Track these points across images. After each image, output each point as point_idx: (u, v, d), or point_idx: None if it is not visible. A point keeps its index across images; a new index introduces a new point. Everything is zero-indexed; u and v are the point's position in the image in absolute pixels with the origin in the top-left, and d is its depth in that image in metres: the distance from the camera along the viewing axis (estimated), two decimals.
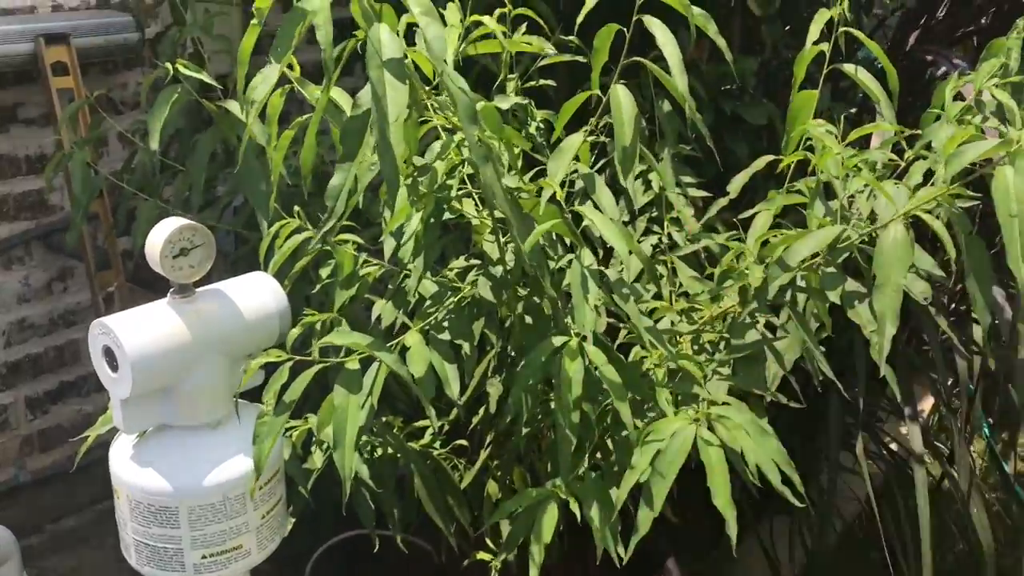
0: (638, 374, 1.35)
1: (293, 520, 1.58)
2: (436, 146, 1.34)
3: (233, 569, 1.32)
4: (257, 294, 1.35)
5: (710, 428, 1.23)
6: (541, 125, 2.05)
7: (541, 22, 1.82)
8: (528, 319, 1.46)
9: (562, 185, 1.49)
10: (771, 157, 1.51)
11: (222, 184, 1.98)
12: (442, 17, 1.28)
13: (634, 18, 1.33)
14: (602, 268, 1.41)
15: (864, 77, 1.46)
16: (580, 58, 2.02)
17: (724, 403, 1.33)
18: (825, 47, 1.49)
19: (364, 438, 1.59)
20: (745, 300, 1.38)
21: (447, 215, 1.43)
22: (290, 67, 1.47)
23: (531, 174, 1.57)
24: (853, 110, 2.33)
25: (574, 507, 1.28)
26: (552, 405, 1.32)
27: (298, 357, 1.26)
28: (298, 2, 1.04)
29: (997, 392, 2.27)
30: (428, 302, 1.44)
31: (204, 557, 1.29)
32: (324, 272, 1.64)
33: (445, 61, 1.08)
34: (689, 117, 1.40)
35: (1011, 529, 2.69)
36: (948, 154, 1.20)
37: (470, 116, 1.12)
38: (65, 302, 2.44)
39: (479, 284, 1.42)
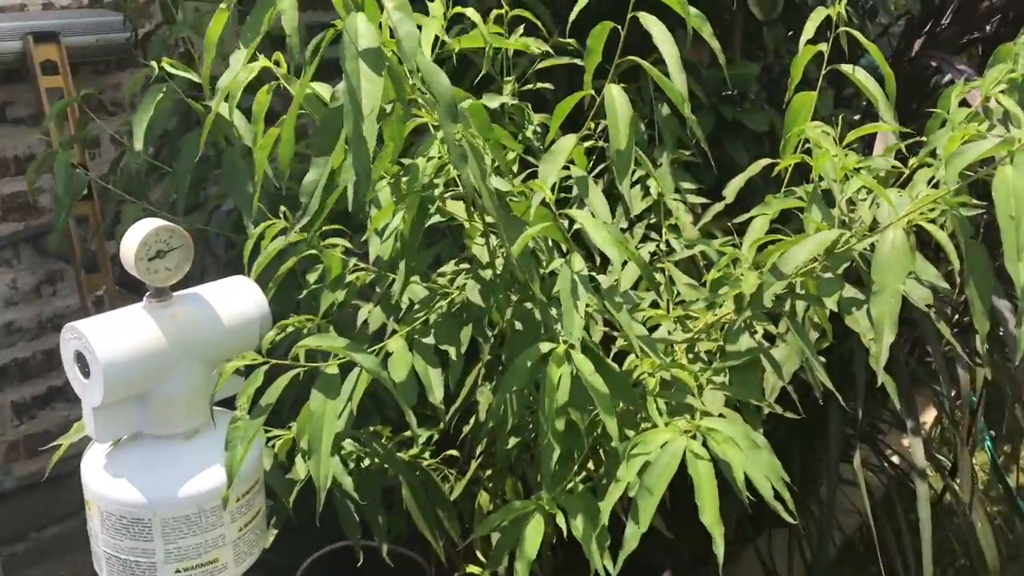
0: (628, 383, 1.30)
1: (276, 532, 1.54)
2: (427, 144, 1.30)
3: None
4: (237, 298, 1.31)
5: (700, 441, 1.19)
6: (538, 129, 2.01)
7: (539, 24, 1.78)
8: (519, 325, 1.41)
9: (556, 189, 1.45)
10: (768, 161, 1.47)
11: (213, 186, 1.95)
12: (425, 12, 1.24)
13: (629, 16, 1.29)
14: (594, 274, 1.37)
15: (863, 79, 1.42)
16: (578, 61, 1.98)
17: (717, 414, 1.28)
18: (824, 47, 1.45)
19: (349, 448, 1.55)
20: (740, 308, 1.34)
21: (436, 217, 1.39)
22: (277, 64, 1.43)
23: (523, 176, 1.53)
24: (857, 116, 2.29)
25: (560, 520, 1.23)
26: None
27: (274, 361, 1.22)
28: None
29: (1001, 404, 2.23)
30: (416, 307, 1.40)
31: (178, 571, 1.25)
32: (312, 276, 1.60)
33: (417, 60, 1.04)
34: (688, 120, 1.36)
35: (1013, 543, 2.65)
36: (949, 154, 1.16)
37: (450, 113, 1.08)
38: (54, 306, 2.41)
39: (468, 288, 1.38)
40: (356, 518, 1.52)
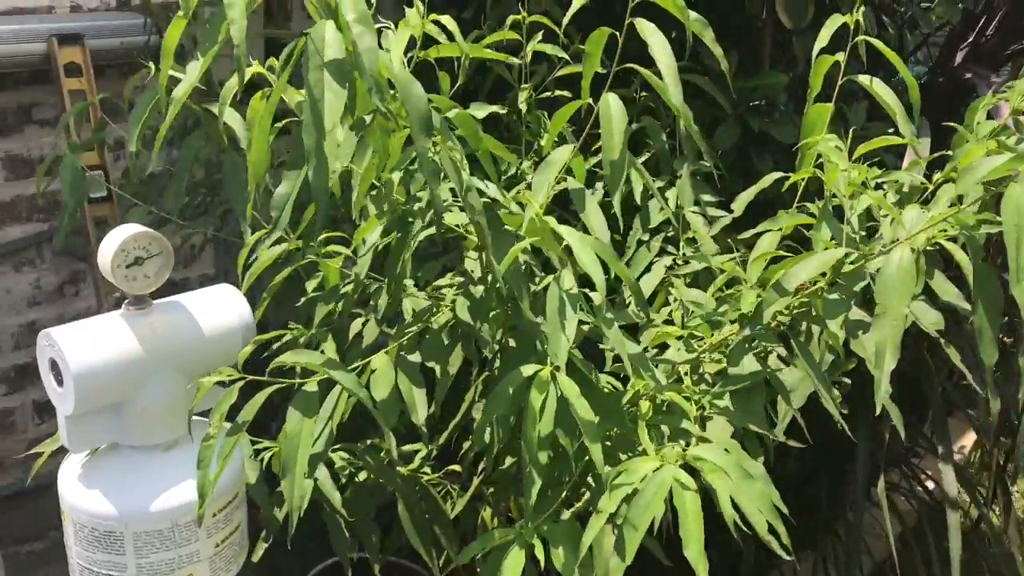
0: (619, 407, 1.24)
1: (267, 545, 1.51)
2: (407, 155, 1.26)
3: None
4: (220, 308, 1.27)
5: (689, 470, 1.13)
6: (556, 138, 1.96)
7: (557, 30, 1.73)
8: (513, 342, 1.37)
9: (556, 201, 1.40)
10: (780, 174, 1.40)
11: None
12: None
13: (627, 22, 1.24)
14: (586, 291, 1.31)
15: (879, 89, 1.35)
16: (599, 69, 1.93)
17: (720, 441, 1.22)
18: (840, 57, 1.38)
19: (341, 462, 1.51)
20: (741, 327, 1.28)
21: (430, 231, 1.35)
22: (272, 69, 1.40)
23: (515, 190, 1.49)
24: (891, 130, 2.21)
25: (539, 552, 1.18)
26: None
27: (249, 377, 1.18)
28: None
29: None
30: (408, 320, 1.36)
31: None
32: (311, 284, 1.57)
33: (390, 71, 1.00)
34: (693, 132, 1.30)
35: None
36: (962, 169, 1.09)
37: (423, 126, 1.03)
38: (76, 306, 2.41)
39: (458, 305, 1.33)
40: (346, 534, 1.48)
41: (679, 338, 1.42)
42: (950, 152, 1.37)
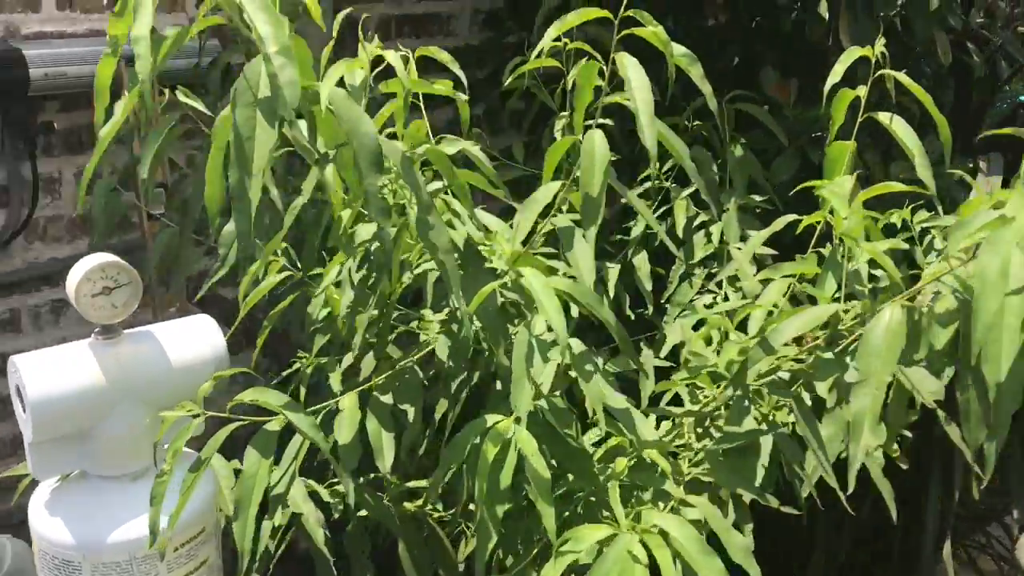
0: (588, 465, 1.17)
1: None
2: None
3: None
4: (191, 339, 1.26)
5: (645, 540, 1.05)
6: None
7: (598, 57, 1.67)
8: (499, 384, 1.31)
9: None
10: (792, 217, 1.30)
11: None
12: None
13: (612, 55, 1.17)
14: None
15: (898, 129, 1.24)
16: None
17: (688, 504, 1.14)
18: (862, 91, 1.27)
19: (330, 498, 1.47)
20: (735, 383, 1.19)
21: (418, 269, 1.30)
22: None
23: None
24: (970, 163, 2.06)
25: None
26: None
27: (210, 413, 1.16)
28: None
29: None
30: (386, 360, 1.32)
31: None
32: (319, 313, 1.54)
33: (336, 105, 0.96)
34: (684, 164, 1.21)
35: None
36: (957, 223, 0.98)
37: (372, 164, 0.99)
38: (140, 319, 2.45)
39: (439, 344, 1.28)
40: (334, 572, 1.44)
41: (688, 386, 1.34)
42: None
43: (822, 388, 1.13)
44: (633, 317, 1.85)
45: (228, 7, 0.96)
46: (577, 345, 1.23)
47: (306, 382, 1.46)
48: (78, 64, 2.04)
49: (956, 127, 1.33)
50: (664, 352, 1.61)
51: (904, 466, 1.26)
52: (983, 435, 0.94)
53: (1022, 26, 2.24)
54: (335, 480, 1.52)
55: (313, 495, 1.42)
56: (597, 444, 1.28)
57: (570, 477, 1.19)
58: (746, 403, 1.23)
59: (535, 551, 1.20)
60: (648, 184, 1.91)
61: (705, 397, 1.32)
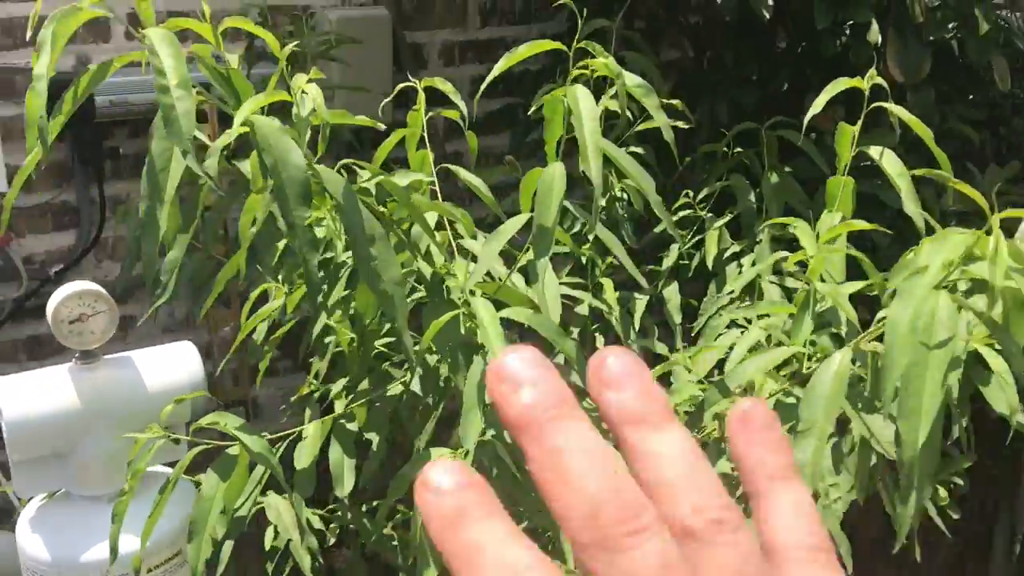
0: (534, 501, 1.14)
1: None
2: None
3: None
4: (170, 366, 1.29)
5: None
6: (624, 195, 1.87)
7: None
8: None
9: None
10: (784, 254, 1.25)
11: None
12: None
13: (568, 84, 1.14)
14: None
15: (888, 162, 1.18)
16: (681, 123, 1.82)
17: None
18: (856, 128, 1.22)
19: (320, 524, 1.48)
20: (690, 424, 1.15)
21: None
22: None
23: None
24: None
25: None
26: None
27: (172, 435, 1.18)
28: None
29: None
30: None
31: None
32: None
33: (263, 135, 0.97)
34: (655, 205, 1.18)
35: None
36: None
37: (299, 196, 1.00)
38: (203, 337, 2.53)
39: (413, 376, 1.28)
40: None
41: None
42: None
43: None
44: (665, 351, 1.81)
45: (145, 42, 0.98)
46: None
47: (313, 406, 1.48)
48: (138, 92, 2.13)
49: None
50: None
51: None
52: (931, 490, 0.88)
53: None
54: (333, 506, 1.53)
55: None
56: None
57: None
58: (722, 445, 1.19)
59: None
60: (683, 213, 1.87)
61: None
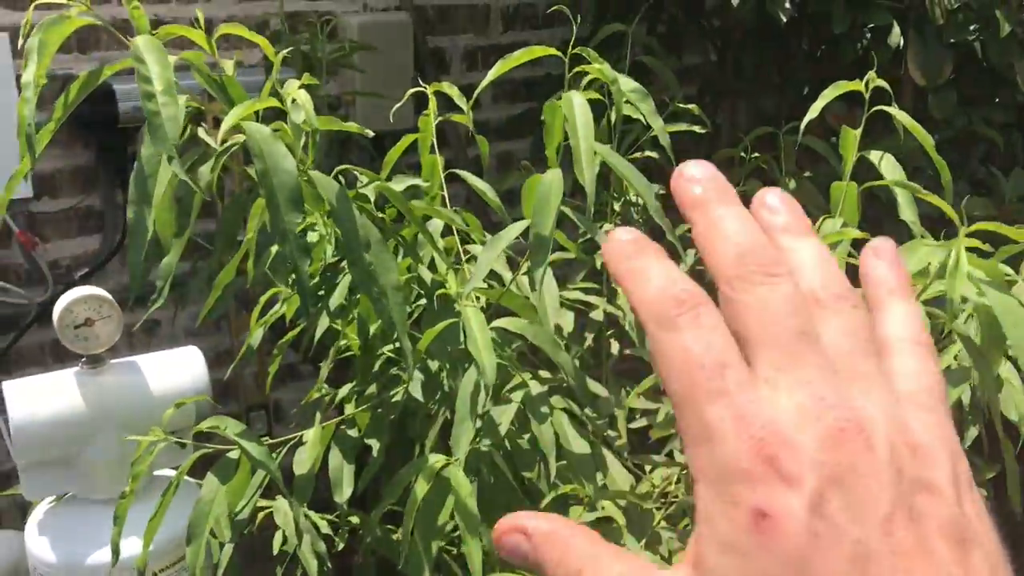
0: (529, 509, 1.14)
1: None
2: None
3: None
4: (175, 371, 1.30)
5: None
6: (637, 200, 1.86)
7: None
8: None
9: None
10: None
11: None
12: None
13: (565, 92, 1.14)
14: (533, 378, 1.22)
15: (887, 169, 1.16)
16: (697, 128, 1.81)
17: None
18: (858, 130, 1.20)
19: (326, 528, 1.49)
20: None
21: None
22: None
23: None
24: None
25: None
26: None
27: (174, 439, 1.19)
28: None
29: None
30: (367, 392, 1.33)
31: None
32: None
33: (254, 142, 0.98)
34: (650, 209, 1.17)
35: None
36: None
37: (290, 201, 1.00)
38: (227, 343, 2.55)
39: (414, 379, 1.28)
40: None
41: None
42: None
43: None
44: None
45: (133, 50, 0.99)
46: (535, 387, 1.20)
47: (323, 410, 1.49)
48: None
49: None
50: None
51: None
52: None
53: None
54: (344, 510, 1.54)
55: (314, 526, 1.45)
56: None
57: None
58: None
59: None
60: None
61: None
